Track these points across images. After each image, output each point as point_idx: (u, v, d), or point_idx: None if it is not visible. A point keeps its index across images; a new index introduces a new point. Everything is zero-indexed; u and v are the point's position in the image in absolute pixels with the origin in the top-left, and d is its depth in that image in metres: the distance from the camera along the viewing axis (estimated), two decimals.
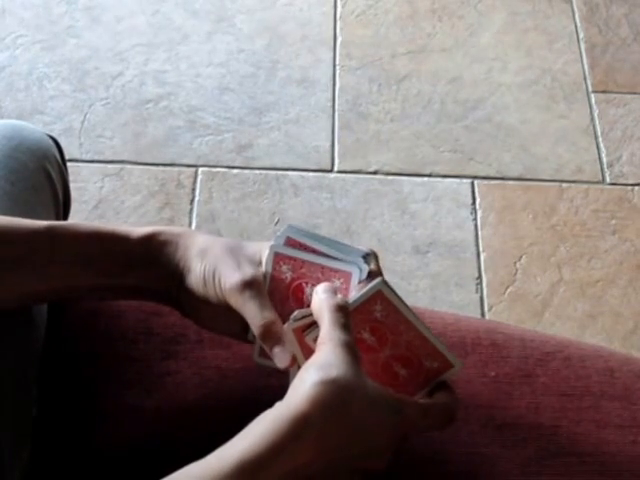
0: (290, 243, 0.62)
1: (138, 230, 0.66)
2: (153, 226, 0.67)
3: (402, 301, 0.60)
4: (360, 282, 0.60)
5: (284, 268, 0.62)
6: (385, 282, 0.60)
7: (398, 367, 0.62)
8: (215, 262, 0.63)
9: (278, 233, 0.63)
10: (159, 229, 0.67)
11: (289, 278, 0.63)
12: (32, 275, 0.65)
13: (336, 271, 0.60)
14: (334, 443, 0.54)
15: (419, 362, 0.62)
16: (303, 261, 0.61)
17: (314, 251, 0.61)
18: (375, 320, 0.61)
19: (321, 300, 0.59)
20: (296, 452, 0.53)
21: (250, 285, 0.61)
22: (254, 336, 0.62)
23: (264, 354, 0.64)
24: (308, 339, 0.59)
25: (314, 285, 0.61)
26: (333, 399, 0.54)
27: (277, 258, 0.62)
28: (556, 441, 0.74)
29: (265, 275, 0.63)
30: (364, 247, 0.62)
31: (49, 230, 0.65)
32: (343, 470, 0.56)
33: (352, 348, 0.57)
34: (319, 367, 0.55)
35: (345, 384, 0.54)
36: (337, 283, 0.60)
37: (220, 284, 0.62)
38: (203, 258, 0.64)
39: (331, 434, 0.54)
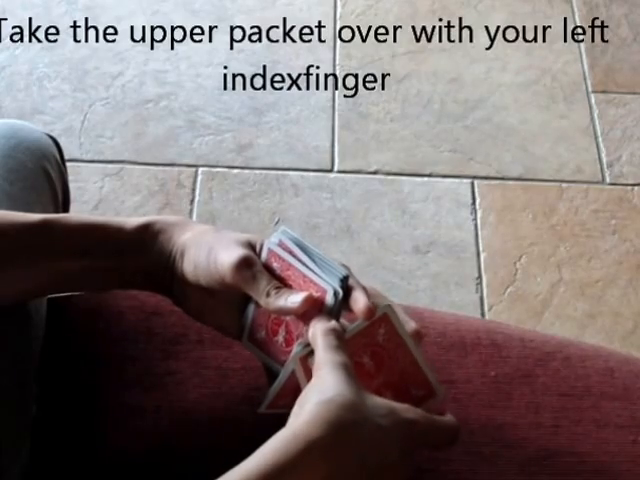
0: (282, 246, 0.64)
1: (132, 220, 0.67)
2: (147, 216, 0.67)
3: (404, 327, 0.62)
4: (335, 305, 0.61)
5: (275, 265, 0.64)
6: (391, 306, 0.61)
7: (387, 394, 0.63)
8: (210, 244, 0.64)
9: (274, 233, 0.65)
10: (153, 219, 0.67)
11: (277, 275, 0.64)
12: (28, 268, 0.65)
13: (315, 284, 0.62)
14: (344, 460, 0.54)
15: (407, 390, 0.64)
16: (290, 265, 0.63)
17: (300, 260, 0.63)
18: (377, 344, 0.62)
19: (315, 327, 0.60)
20: (304, 473, 0.53)
21: (248, 260, 0.62)
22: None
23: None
24: (309, 364, 0.60)
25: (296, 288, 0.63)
26: (332, 417, 0.54)
27: (270, 254, 0.64)
28: (556, 441, 0.74)
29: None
30: (340, 267, 0.63)
31: (43, 223, 0.66)
32: None
33: (347, 367, 0.57)
34: (316, 391, 0.56)
35: (342, 401, 0.55)
36: (315, 295, 0.62)
37: (217, 263, 0.63)
38: (197, 242, 0.65)
39: (339, 451, 0.54)
